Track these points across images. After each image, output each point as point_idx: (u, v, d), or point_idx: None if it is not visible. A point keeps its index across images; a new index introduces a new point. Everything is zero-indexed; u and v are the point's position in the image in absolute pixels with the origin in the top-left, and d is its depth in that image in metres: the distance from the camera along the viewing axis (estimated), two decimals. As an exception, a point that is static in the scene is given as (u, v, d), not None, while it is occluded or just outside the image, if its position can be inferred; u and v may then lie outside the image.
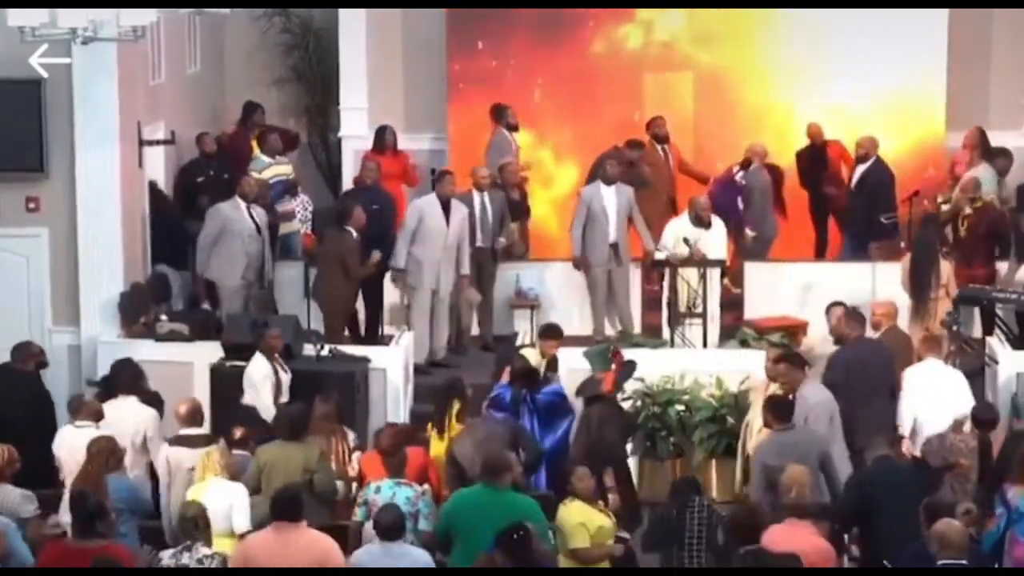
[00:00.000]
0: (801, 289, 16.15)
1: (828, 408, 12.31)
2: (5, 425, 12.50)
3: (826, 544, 10.15)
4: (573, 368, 13.34)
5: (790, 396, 12.34)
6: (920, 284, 14.80)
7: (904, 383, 13.12)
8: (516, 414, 12.58)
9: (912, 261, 14.91)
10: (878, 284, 15.93)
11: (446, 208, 15.43)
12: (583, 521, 10.55)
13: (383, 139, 17.29)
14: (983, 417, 12.15)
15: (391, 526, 9.95)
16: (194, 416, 11.96)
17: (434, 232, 15.33)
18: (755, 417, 12.54)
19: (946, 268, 14.89)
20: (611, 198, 15.87)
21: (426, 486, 11.15)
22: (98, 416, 12.07)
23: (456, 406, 12.60)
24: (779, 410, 11.70)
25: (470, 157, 17.16)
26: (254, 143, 17.60)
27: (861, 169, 16.87)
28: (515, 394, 12.71)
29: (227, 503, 10.80)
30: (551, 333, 13.75)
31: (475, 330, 16.23)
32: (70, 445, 11.83)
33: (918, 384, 12.98)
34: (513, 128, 17.17)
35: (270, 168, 16.94)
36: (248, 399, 13.21)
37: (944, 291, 14.86)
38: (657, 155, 17.32)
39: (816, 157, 17.36)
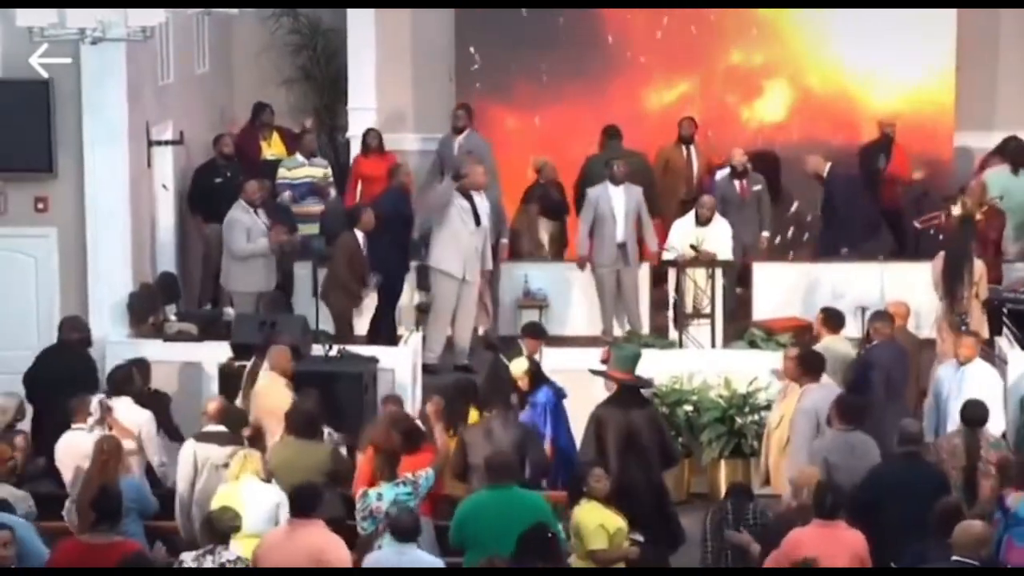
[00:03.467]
0: (810, 290, 16.13)
1: (814, 415, 12.09)
2: (54, 401, 12.66)
3: (860, 538, 10.14)
4: (582, 369, 13.28)
5: (783, 384, 12.46)
6: (953, 283, 14.74)
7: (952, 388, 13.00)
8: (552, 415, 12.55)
9: (945, 260, 14.78)
10: (887, 285, 15.93)
11: (472, 204, 15.42)
12: (602, 523, 10.52)
13: (366, 142, 17.28)
14: (978, 415, 11.90)
15: (409, 528, 9.92)
16: (221, 414, 11.94)
17: (464, 219, 15.31)
18: (774, 419, 12.54)
19: (979, 267, 14.83)
20: (619, 198, 15.87)
21: (421, 472, 11.02)
22: (82, 416, 12.04)
23: (471, 410, 12.63)
24: (847, 411, 11.62)
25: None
26: (263, 143, 17.65)
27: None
28: (553, 393, 12.67)
29: (270, 504, 10.73)
30: (534, 332, 13.75)
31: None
32: (66, 448, 11.86)
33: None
34: (458, 130, 17.05)
35: (302, 168, 16.99)
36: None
37: (975, 290, 14.83)
38: (680, 155, 17.32)
39: (880, 152, 17.33)
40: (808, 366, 12.41)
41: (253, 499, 10.68)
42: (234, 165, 16.78)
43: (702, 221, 15.74)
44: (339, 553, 9.93)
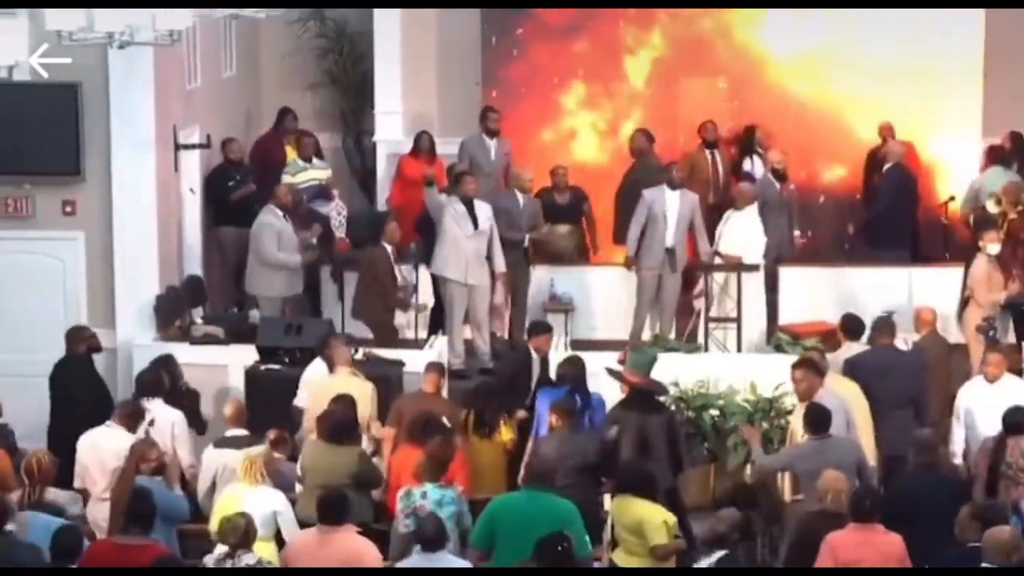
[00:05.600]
0: (836, 294, 16.07)
1: (842, 414, 12.05)
2: (70, 415, 12.73)
3: (899, 541, 10.11)
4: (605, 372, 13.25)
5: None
6: (961, 287, 14.77)
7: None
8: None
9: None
10: (914, 289, 15.89)
11: (469, 208, 15.42)
12: (665, 519, 10.67)
13: (417, 144, 17.31)
14: (1013, 420, 11.77)
15: (435, 537, 9.90)
16: (239, 417, 11.98)
17: (461, 224, 15.27)
18: (797, 426, 12.48)
19: (976, 273, 14.76)
20: (674, 203, 15.75)
21: (458, 486, 11.12)
22: (130, 421, 12.06)
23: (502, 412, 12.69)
24: (816, 420, 11.59)
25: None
26: (288, 148, 17.67)
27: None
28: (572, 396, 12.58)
29: (269, 510, 10.75)
30: (539, 328, 13.73)
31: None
32: (92, 445, 11.88)
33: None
34: (493, 133, 17.12)
35: (304, 172, 17.01)
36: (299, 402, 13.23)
37: (968, 293, 14.80)
38: (704, 159, 17.28)
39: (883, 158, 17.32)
40: (820, 372, 12.34)
41: (252, 504, 10.66)
42: (244, 169, 16.81)
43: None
44: (373, 558, 9.95)
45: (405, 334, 15.85)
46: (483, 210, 15.46)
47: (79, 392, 13.21)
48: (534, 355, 13.66)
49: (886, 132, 17.37)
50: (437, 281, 15.57)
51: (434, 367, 13.09)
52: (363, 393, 12.69)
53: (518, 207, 15.92)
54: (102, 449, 11.74)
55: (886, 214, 16.79)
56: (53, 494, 10.77)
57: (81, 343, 13.61)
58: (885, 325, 13.61)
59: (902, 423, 12.72)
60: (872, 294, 15.85)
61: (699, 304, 15.94)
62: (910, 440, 11.85)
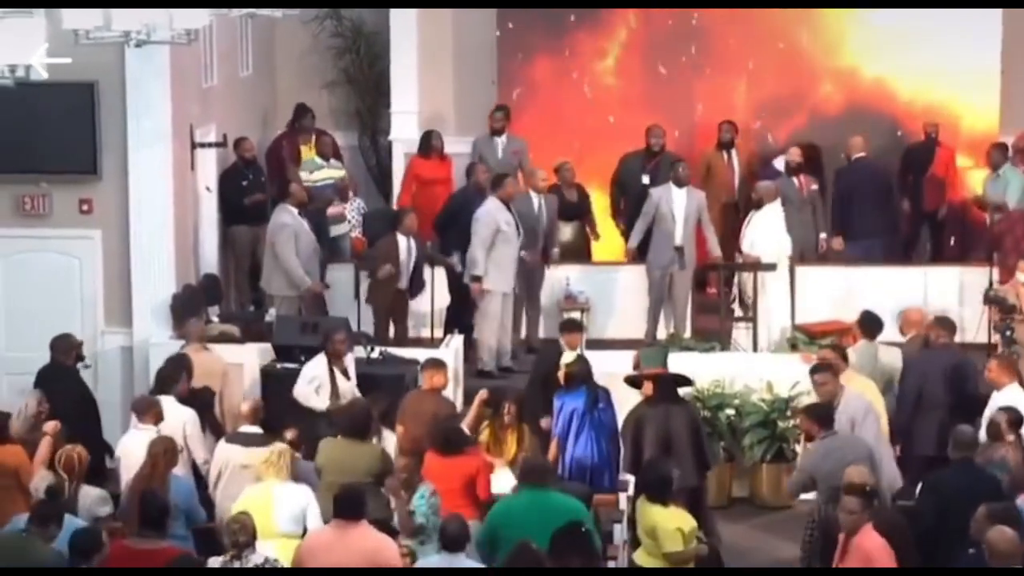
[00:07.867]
0: (851, 293, 16.06)
1: (873, 417, 12.05)
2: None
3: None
4: (623, 372, 13.24)
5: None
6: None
7: None
8: (589, 419, 12.48)
9: None
10: (929, 288, 15.86)
11: (510, 211, 15.47)
12: (680, 526, 10.61)
13: (430, 143, 17.30)
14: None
15: (458, 537, 9.86)
16: (255, 415, 11.98)
17: (509, 236, 15.35)
18: None
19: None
20: (680, 200, 15.77)
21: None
22: (158, 418, 12.07)
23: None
24: (821, 417, 11.57)
25: (520, 160, 17.24)
26: (304, 147, 17.69)
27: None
28: (589, 398, 12.52)
29: (298, 505, 10.76)
30: (573, 326, 13.70)
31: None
32: (130, 447, 11.84)
33: None
34: (497, 132, 17.13)
35: (321, 170, 17.04)
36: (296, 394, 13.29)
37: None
38: (720, 160, 17.26)
39: (924, 154, 17.28)
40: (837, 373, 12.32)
41: (282, 499, 10.68)
42: (256, 168, 16.83)
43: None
44: (393, 552, 9.94)
45: (420, 333, 15.88)
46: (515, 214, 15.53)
47: (67, 401, 12.93)
48: (566, 351, 13.54)
49: (930, 130, 17.32)
50: (467, 285, 15.53)
51: (431, 364, 12.90)
52: (211, 368, 13.27)
53: (534, 209, 15.91)
54: (133, 453, 11.68)
55: (847, 209, 16.70)
56: (84, 492, 10.79)
57: (69, 352, 13.49)
58: (947, 322, 13.54)
59: (945, 423, 12.62)
60: (887, 293, 15.82)
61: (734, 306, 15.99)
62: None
